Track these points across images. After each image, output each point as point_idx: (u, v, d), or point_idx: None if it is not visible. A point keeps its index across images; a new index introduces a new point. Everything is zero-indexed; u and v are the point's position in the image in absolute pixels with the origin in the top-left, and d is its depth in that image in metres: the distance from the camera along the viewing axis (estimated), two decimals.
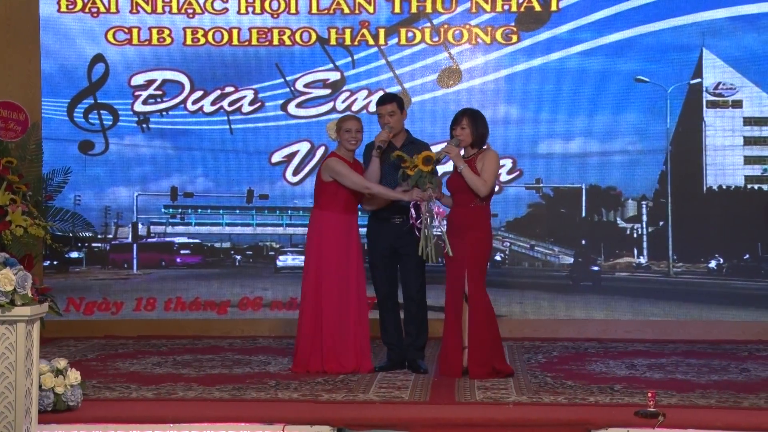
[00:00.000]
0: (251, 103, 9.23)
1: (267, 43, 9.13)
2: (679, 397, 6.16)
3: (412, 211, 6.96)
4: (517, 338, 8.43)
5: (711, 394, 6.25)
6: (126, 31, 9.09)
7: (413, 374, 6.99)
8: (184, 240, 9.49)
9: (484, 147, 6.99)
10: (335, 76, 9.22)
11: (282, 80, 9.21)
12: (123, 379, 6.82)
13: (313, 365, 7.06)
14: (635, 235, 9.19)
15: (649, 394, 5.36)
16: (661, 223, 9.08)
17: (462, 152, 6.96)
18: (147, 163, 9.30)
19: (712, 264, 9.02)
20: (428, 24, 9.04)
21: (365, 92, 9.15)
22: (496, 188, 7.10)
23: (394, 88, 8.86)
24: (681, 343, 8.35)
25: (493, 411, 5.87)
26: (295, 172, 9.27)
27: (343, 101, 9.19)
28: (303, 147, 9.24)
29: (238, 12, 9.11)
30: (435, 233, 6.89)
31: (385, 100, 7.29)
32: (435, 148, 7.19)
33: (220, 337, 8.69)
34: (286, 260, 9.49)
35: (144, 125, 9.22)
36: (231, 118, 9.18)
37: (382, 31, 9.10)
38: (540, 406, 5.99)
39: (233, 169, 9.30)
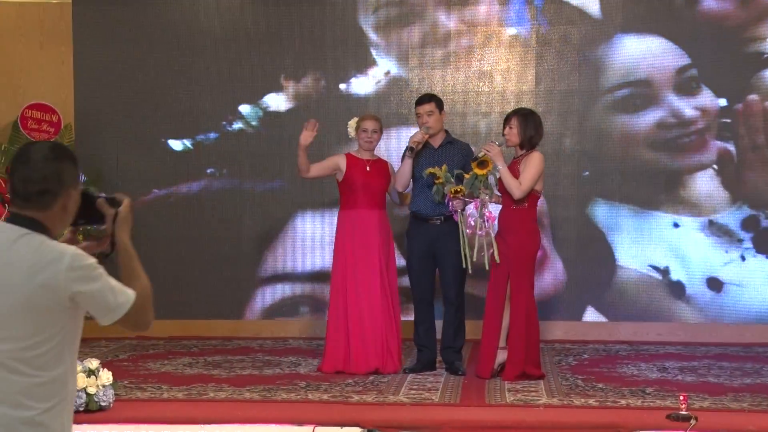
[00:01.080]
0: None
1: None
2: (711, 400, 6.13)
3: (458, 215, 6.92)
4: (547, 340, 8.40)
5: (743, 398, 6.21)
6: None
7: (443, 376, 6.98)
8: None
9: (534, 149, 6.93)
10: None
11: None
12: (154, 379, 6.85)
13: (340, 365, 7.09)
14: None
15: (681, 397, 5.32)
16: None
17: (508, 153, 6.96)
18: None
19: None
20: None
21: None
22: (541, 193, 7.02)
23: None
24: (713, 345, 8.30)
25: (523, 413, 5.87)
26: None
27: None
28: None
29: None
30: (479, 237, 6.84)
31: (424, 100, 7.24)
32: (474, 148, 7.21)
33: (251, 338, 8.72)
34: None
35: None
36: None
37: None
38: (571, 408, 5.98)
39: None
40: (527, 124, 6.86)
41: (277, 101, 8.99)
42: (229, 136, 9.01)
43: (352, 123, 7.36)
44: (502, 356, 6.89)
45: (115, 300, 2.82)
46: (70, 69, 9.01)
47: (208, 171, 9.04)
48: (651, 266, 8.68)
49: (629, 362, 7.57)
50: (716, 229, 8.61)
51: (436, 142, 7.21)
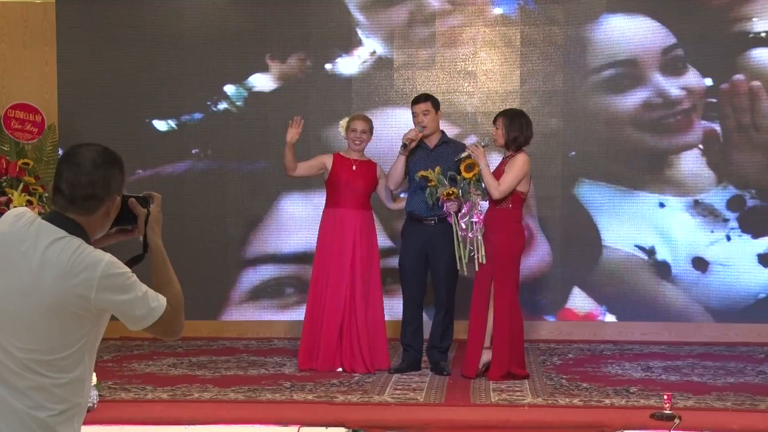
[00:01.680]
0: None
1: None
2: (695, 399, 6.15)
3: (452, 217, 6.93)
4: (532, 340, 8.41)
5: (727, 397, 6.23)
6: None
7: (428, 376, 6.98)
8: None
9: (521, 151, 6.94)
10: None
11: None
12: (139, 380, 6.83)
13: (312, 362, 7.14)
14: None
15: (665, 397, 5.34)
16: None
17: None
18: None
19: None
20: None
21: None
22: (527, 195, 7.02)
23: None
24: (697, 345, 8.32)
25: (508, 413, 5.88)
26: None
27: None
28: None
29: None
30: (470, 239, 6.86)
31: (420, 99, 7.24)
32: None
33: (236, 338, 8.71)
34: None
35: None
36: None
37: None
38: (555, 408, 5.99)
39: None
40: (512, 125, 6.87)
41: (262, 81, 8.94)
42: (214, 117, 8.96)
43: (343, 123, 7.38)
44: (486, 356, 6.90)
45: (146, 309, 2.83)
46: (53, 69, 8.98)
47: (193, 152, 8.99)
48: (637, 246, 8.68)
49: (614, 362, 7.59)
50: (702, 209, 8.61)
51: (432, 142, 7.20)
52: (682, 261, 8.64)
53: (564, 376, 6.97)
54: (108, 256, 2.79)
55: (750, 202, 8.58)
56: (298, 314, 8.82)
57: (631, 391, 6.42)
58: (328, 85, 8.86)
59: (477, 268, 6.86)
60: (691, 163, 8.65)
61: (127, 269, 2.81)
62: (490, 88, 8.75)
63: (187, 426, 5.46)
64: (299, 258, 8.81)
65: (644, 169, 8.72)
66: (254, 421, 5.53)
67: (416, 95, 7.40)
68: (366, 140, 7.28)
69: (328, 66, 8.93)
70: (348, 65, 8.92)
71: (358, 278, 7.14)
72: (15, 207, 7.56)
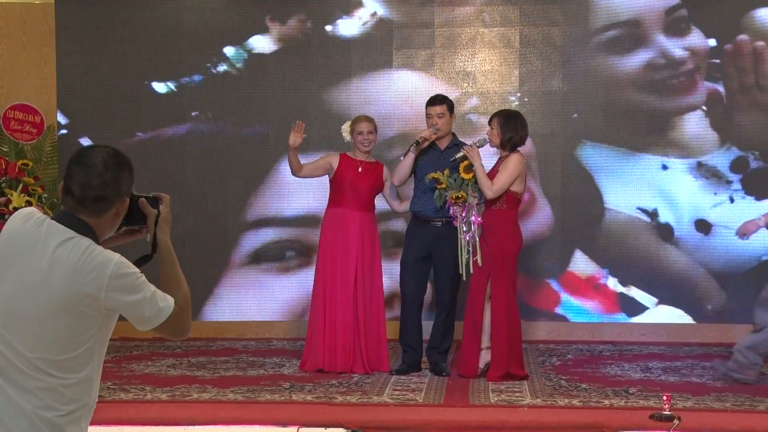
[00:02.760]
0: None
1: None
2: (694, 400, 6.15)
3: (458, 219, 6.94)
4: (531, 341, 8.41)
5: (726, 398, 6.23)
6: None
7: (427, 376, 6.99)
8: None
9: (516, 151, 6.95)
10: None
11: None
12: (138, 380, 6.83)
13: (318, 363, 7.15)
14: None
15: (664, 397, 5.33)
16: None
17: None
18: None
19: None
20: None
21: None
22: (521, 195, 7.02)
23: None
24: (696, 346, 8.32)
25: (507, 414, 5.88)
26: None
27: None
28: None
29: None
30: (468, 241, 6.87)
31: (435, 101, 7.21)
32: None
33: (235, 339, 8.70)
34: None
35: None
36: None
37: None
38: (554, 408, 5.99)
39: None
40: (507, 125, 6.89)
41: (262, 43, 8.88)
42: (214, 79, 8.92)
43: (346, 127, 7.34)
44: (487, 357, 6.91)
45: (154, 310, 2.84)
46: (52, 70, 8.97)
47: (193, 114, 8.95)
48: (639, 209, 8.63)
49: (613, 362, 7.59)
50: (705, 171, 8.57)
51: (443, 144, 7.20)
52: (685, 223, 8.59)
53: (563, 377, 6.97)
54: (117, 257, 2.80)
55: (753, 164, 8.54)
56: (299, 259, 8.76)
57: (630, 391, 6.42)
58: (329, 47, 8.83)
59: (471, 271, 6.88)
60: (694, 124, 8.58)
61: (137, 270, 2.83)
62: (489, 89, 8.75)
63: (186, 426, 5.46)
64: (300, 221, 8.76)
65: (647, 131, 8.64)
66: (253, 422, 5.53)
67: (432, 96, 7.33)
68: (374, 140, 7.27)
69: (328, 28, 8.86)
70: (348, 27, 8.86)
71: (361, 280, 7.14)
72: (14, 207, 7.61)
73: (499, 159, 6.99)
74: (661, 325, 8.63)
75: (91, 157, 2.86)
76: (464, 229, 6.89)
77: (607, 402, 6.13)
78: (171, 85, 8.95)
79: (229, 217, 8.91)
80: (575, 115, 8.72)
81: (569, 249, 8.74)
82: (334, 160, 7.27)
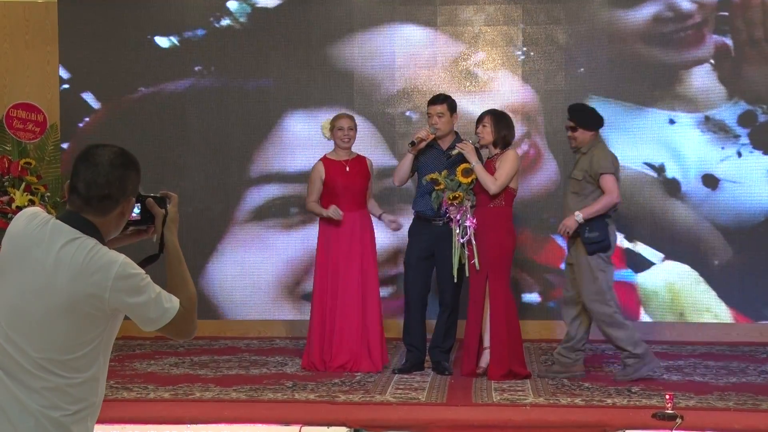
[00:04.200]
0: None
1: None
2: (697, 399, 6.14)
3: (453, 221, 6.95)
4: (533, 340, 8.40)
5: (729, 396, 6.22)
6: None
7: (430, 375, 6.98)
8: None
9: (509, 148, 6.97)
10: None
11: None
12: (140, 379, 6.84)
13: (317, 362, 7.19)
14: None
15: (667, 396, 5.33)
16: None
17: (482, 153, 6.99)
18: None
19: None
20: None
21: None
22: (516, 192, 7.03)
23: None
24: (699, 344, 8.31)
25: (509, 412, 5.87)
26: None
27: None
28: None
29: None
30: (462, 244, 6.87)
31: (437, 100, 7.21)
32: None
33: (237, 338, 8.70)
34: None
35: None
36: None
37: None
38: (557, 407, 5.99)
39: None
40: (500, 123, 6.91)
41: None
42: (217, 33, 8.93)
43: (326, 124, 7.34)
44: (488, 356, 6.91)
45: (159, 311, 2.83)
46: (55, 68, 8.98)
47: (196, 69, 8.95)
48: (646, 164, 8.61)
49: (615, 361, 7.58)
50: (712, 125, 8.55)
51: (445, 144, 7.19)
52: (692, 178, 8.57)
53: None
54: (122, 257, 2.80)
55: (761, 118, 8.51)
56: (303, 216, 8.75)
57: (633, 390, 6.42)
58: (331, 1, 8.83)
59: (467, 274, 6.90)
60: (702, 78, 8.55)
61: (141, 271, 2.82)
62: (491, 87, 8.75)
63: (188, 425, 5.46)
64: (304, 177, 8.71)
65: (654, 85, 8.63)
66: (256, 421, 5.53)
67: (434, 95, 7.35)
68: (354, 137, 7.27)
69: None
70: None
71: (362, 278, 7.15)
72: (17, 206, 7.61)
73: (491, 158, 6.98)
74: (663, 323, 8.62)
75: (97, 156, 2.87)
76: (457, 231, 6.88)
77: (609, 401, 6.12)
78: (174, 39, 8.96)
79: (232, 172, 8.89)
80: (581, 70, 8.70)
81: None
82: (320, 169, 7.27)
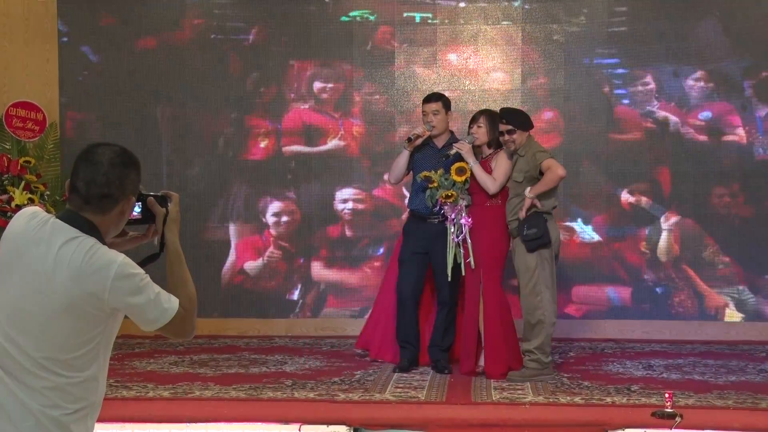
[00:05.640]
0: None
1: None
2: (696, 397, 6.15)
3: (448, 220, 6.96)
4: None
5: (728, 395, 6.23)
6: None
7: (429, 374, 6.99)
8: None
9: (502, 148, 6.98)
10: None
11: None
12: (140, 378, 6.84)
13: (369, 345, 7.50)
14: None
15: (667, 395, 5.35)
16: None
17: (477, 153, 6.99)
18: None
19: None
20: None
21: None
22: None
23: None
24: (698, 343, 8.32)
25: (509, 411, 5.88)
26: None
27: None
28: None
29: None
30: (457, 243, 6.88)
31: (431, 98, 7.24)
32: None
33: (237, 336, 8.70)
34: None
35: None
36: None
37: None
38: (556, 406, 5.99)
39: None
40: (495, 123, 6.91)
41: None
42: None
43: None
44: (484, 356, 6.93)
45: (158, 311, 2.84)
46: (55, 67, 8.97)
47: (195, 23, 8.93)
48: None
49: (615, 360, 7.59)
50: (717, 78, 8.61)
51: (440, 142, 7.21)
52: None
53: (565, 375, 6.97)
54: (122, 257, 2.79)
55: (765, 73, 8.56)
56: (299, 313, 8.81)
57: (633, 389, 6.42)
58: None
59: (464, 272, 6.90)
60: (707, 32, 8.56)
61: (141, 270, 2.82)
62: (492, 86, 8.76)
63: (188, 424, 5.46)
64: None
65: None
66: (255, 419, 5.53)
67: (428, 94, 7.39)
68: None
69: None
70: None
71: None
72: (16, 205, 7.61)
73: (484, 158, 6.97)
74: (663, 322, 8.62)
75: (97, 155, 2.86)
76: (452, 230, 6.89)
77: (609, 400, 6.13)
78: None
79: (236, 121, 8.91)
80: (582, 18, 8.68)
81: (577, 160, 8.67)
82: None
